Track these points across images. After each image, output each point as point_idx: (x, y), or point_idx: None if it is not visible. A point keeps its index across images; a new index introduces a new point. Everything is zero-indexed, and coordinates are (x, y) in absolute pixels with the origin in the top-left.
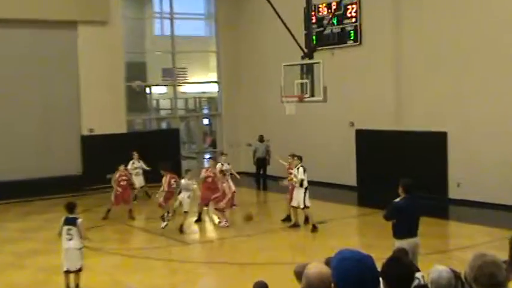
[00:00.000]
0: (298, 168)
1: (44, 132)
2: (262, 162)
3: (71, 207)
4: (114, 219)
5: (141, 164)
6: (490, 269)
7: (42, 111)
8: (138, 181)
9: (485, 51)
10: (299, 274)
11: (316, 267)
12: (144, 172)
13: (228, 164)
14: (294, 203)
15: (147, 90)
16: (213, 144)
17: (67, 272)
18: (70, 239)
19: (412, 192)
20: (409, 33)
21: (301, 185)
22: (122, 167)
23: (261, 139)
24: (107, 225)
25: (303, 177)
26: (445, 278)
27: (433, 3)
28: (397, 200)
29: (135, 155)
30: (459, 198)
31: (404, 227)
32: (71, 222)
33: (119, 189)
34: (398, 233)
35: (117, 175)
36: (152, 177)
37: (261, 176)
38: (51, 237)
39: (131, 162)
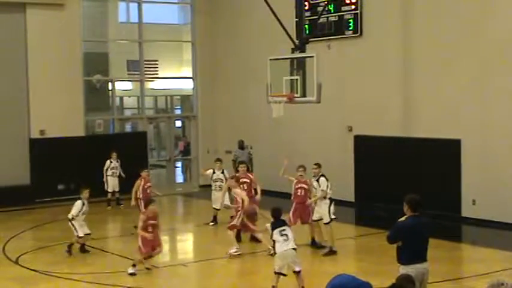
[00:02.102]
0: (318, 179)
1: None
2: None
3: None
4: (68, 237)
5: (119, 165)
6: None
7: None
8: (113, 183)
9: (508, 49)
10: None
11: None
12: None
13: (223, 172)
14: (316, 216)
15: (109, 86)
16: (187, 151)
17: None
18: None
19: (419, 210)
20: (419, 23)
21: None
22: (145, 173)
23: (242, 145)
24: (59, 245)
25: (325, 188)
26: None
27: None
28: (403, 219)
29: (114, 154)
30: (474, 217)
31: (411, 251)
32: None
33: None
34: (404, 258)
35: (142, 183)
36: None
37: None
38: None
39: (108, 162)
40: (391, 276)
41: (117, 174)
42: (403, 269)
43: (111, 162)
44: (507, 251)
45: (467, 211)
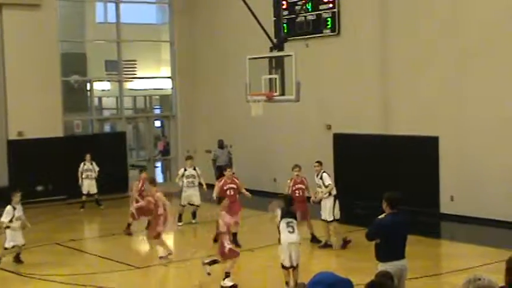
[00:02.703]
0: (321, 176)
1: None
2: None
3: None
4: (46, 238)
5: (94, 166)
6: None
7: None
8: (88, 186)
9: (482, 48)
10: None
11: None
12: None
13: (195, 168)
14: (324, 216)
15: (88, 86)
16: (166, 151)
17: None
18: None
19: (398, 207)
20: (397, 22)
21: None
22: (143, 174)
23: (221, 145)
24: (39, 246)
25: (329, 182)
26: None
27: None
28: (381, 216)
29: (87, 156)
30: (453, 213)
31: (389, 248)
32: None
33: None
34: (383, 255)
35: (139, 184)
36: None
37: None
38: None
39: (82, 164)
40: (370, 273)
41: (93, 176)
42: (382, 266)
43: (84, 164)
44: (485, 246)
45: (445, 207)
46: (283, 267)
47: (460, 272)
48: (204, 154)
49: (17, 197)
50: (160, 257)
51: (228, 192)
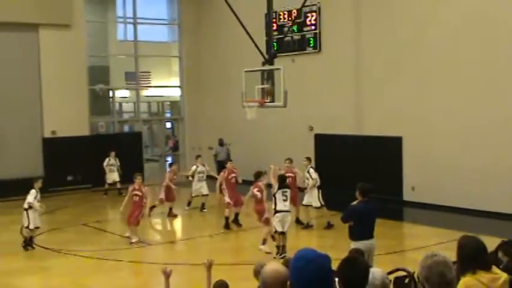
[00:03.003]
0: (308, 171)
1: (4, 134)
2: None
3: None
4: (75, 220)
5: (116, 161)
6: (439, 268)
7: (4, 114)
8: (113, 177)
9: (442, 61)
10: (257, 273)
11: (272, 267)
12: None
13: (204, 165)
14: (305, 202)
15: (110, 93)
16: (176, 148)
17: None
18: None
19: (369, 195)
20: (368, 41)
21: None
22: (174, 167)
23: (221, 143)
24: (69, 227)
25: (315, 177)
26: (379, 278)
27: (392, 12)
28: (355, 203)
29: (112, 153)
30: (413, 201)
31: (361, 230)
32: None
33: (173, 186)
34: (355, 235)
35: (172, 174)
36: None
37: None
38: (10, 239)
39: (107, 159)
40: (345, 249)
41: (115, 169)
42: (354, 245)
43: (109, 160)
44: (440, 228)
45: (407, 196)
46: (276, 232)
47: (420, 249)
48: (207, 150)
49: (38, 183)
50: (132, 242)
51: (232, 180)
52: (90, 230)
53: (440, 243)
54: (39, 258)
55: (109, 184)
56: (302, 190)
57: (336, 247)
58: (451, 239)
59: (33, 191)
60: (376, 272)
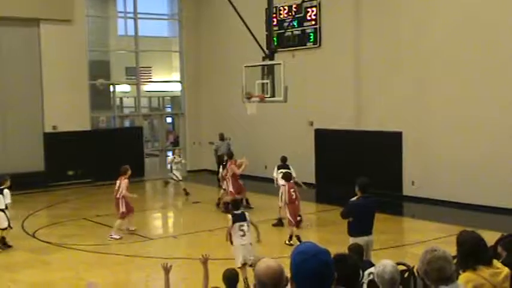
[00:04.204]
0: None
1: (5, 129)
2: (220, 161)
3: None
4: (75, 214)
5: (182, 159)
6: (439, 263)
7: (4, 108)
8: (181, 174)
9: (441, 56)
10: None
11: (264, 263)
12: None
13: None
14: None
15: (111, 88)
16: (176, 142)
17: None
18: None
19: (368, 191)
20: (368, 36)
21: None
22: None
23: (222, 137)
24: (69, 221)
25: (275, 175)
26: (389, 272)
27: (392, 7)
28: (354, 199)
29: (177, 151)
30: (413, 196)
31: (359, 226)
32: None
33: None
34: (354, 231)
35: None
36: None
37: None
38: (11, 233)
39: (172, 157)
40: (344, 244)
41: (180, 167)
42: (353, 240)
43: (174, 158)
44: (440, 222)
45: (407, 190)
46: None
47: (419, 244)
48: (208, 145)
49: (7, 182)
50: (113, 237)
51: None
52: (90, 225)
53: (440, 238)
54: (40, 252)
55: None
56: (300, 186)
57: (335, 241)
58: (451, 234)
59: (7, 192)
60: (388, 265)
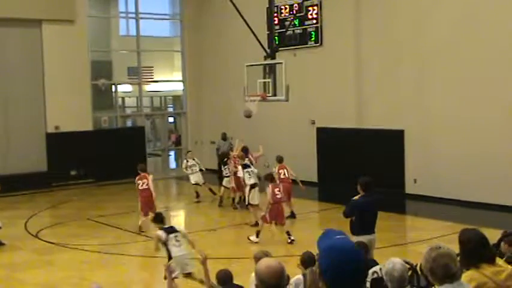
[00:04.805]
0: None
1: (7, 130)
2: (225, 159)
3: None
4: (78, 214)
5: (197, 161)
6: (444, 260)
7: (7, 109)
8: (196, 178)
9: (442, 54)
10: (258, 260)
11: (264, 263)
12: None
13: (194, 159)
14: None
15: (113, 88)
16: (178, 142)
17: None
18: None
19: (370, 190)
20: (369, 34)
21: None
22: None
23: (224, 137)
24: (73, 221)
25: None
26: (398, 270)
27: (392, 5)
28: (356, 198)
29: (189, 154)
30: (415, 193)
31: (362, 225)
32: None
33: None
34: (356, 230)
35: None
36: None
37: None
38: (14, 234)
39: (185, 161)
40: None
41: (197, 169)
42: (356, 239)
43: (187, 161)
44: (442, 220)
45: (409, 188)
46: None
47: (422, 242)
48: (210, 144)
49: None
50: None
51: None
52: (93, 225)
53: (442, 236)
54: (43, 252)
55: (196, 185)
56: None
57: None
58: (454, 232)
59: None
60: (397, 263)
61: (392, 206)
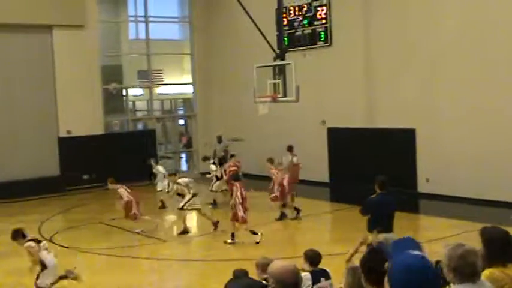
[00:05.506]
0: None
1: (20, 135)
2: (221, 162)
3: None
4: (91, 218)
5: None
6: (472, 258)
7: (19, 114)
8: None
9: (452, 53)
10: (260, 266)
11: (277, 264)
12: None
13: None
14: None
15: (123, 92)
16: (189, 144)
17: None
18: None
19: (386, 188)
20: (378, 33)
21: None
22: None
23: (219, 140)
24: (85, 225)
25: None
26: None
27: (402, 4)
28: (373, 196)
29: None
30: (428, 193)
31: (378, 222)
32: None
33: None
34: (372, 228)
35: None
36: None
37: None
38: None
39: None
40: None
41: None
42: (372, 237)
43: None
44: (455, 219)
45: (422, 187)
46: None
47: (435, 241)
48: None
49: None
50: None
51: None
52: (106, 228)
53: (456, 235)
54: (57, 256)
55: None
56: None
57: (347, 240)
58: (467, 230)
59: None
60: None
61: (404, 205)
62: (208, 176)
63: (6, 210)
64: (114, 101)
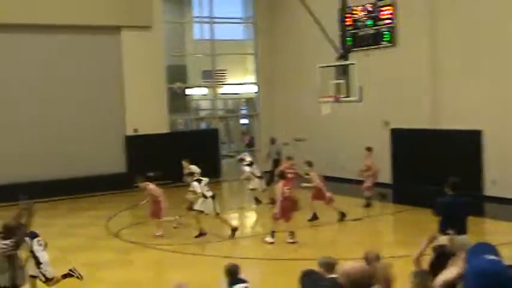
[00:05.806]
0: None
1: (90, 133)
2: (275, 164)
3: None
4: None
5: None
6: None
7: (89, 113)
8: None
9: None
10: (368, 260)
11: (353, 264)
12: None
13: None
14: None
15: (188, 91)
16: (251, 144)
17: None
18: None
19: (458, 190)
20: (445, 33)
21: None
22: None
23: (273, 141)
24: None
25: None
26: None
27: (470, 4)
28: (444, 197)
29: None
30: (495, 196)
31: (448, 224)
32: None
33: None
34: (442, 229)
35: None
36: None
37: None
38: (96, 233)
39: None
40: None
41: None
42: (441, 238)
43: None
44: None
45: (488, 190)
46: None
47: (503, 246)
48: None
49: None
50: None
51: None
52: (171, 225)
53: None
54: (124, 251)
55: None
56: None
57: (410, 243)
58: None
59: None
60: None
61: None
62: (242, 177)
63: (77, 206)
64: (178, 100)
